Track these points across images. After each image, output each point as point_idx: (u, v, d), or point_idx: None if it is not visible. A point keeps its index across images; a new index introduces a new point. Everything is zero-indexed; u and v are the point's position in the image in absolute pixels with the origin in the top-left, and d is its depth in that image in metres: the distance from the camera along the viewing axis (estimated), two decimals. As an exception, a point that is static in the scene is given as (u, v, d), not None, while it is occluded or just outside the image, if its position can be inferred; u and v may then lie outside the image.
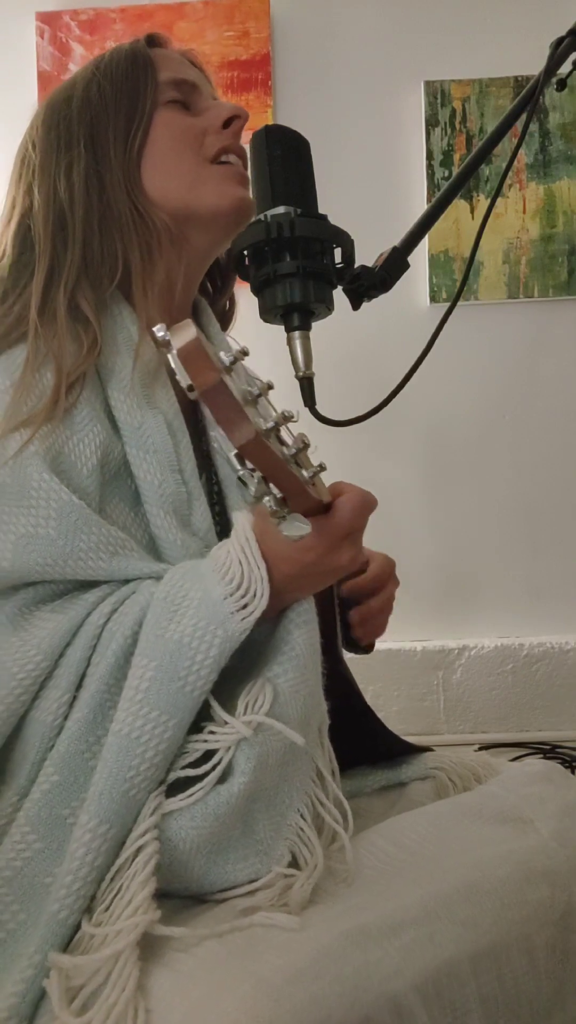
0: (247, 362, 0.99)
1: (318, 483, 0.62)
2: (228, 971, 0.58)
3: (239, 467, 0.54)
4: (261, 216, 0.74)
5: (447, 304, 0.90)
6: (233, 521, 0.72)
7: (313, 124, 1.79)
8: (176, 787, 0.66)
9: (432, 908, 0.64)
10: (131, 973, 0.58)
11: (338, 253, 0.78)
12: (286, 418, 0.55)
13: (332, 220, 0.75)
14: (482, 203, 1.96)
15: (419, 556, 1.98)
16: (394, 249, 0.85)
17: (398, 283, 0.85)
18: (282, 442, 0.55)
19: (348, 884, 0.67)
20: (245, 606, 0.66)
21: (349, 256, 0.80)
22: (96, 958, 0.59)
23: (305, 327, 0.74)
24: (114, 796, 0.63)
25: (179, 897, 0.68)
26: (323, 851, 0.68)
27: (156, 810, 0.65)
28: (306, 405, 0.74)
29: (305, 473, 0.57)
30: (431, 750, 0.93)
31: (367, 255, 0.84)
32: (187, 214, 0.86)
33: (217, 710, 0.67)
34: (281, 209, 0.74)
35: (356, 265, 0.82)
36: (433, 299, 1.95)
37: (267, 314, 0.76)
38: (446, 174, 1.95)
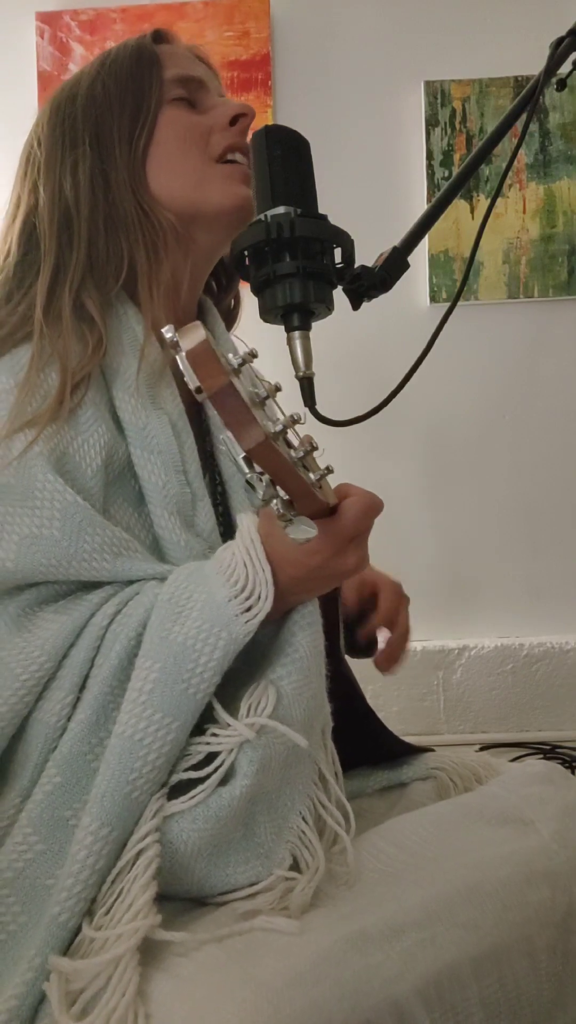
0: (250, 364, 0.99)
1: (324, 486, 0.62)
2: (228, 976, 0.57)
3: (247, 470, 0.54)
4: (261, 216, 0.74)
5: (447, 304, 0.90)
6: (238, 523, 0.72)
7: (313, 124, 1.79)
8: (178, 789, 0.66)
9: (433, 911, 0.63)
10: (131, 978, 0.58)
11: (338, 253, 0.78)
12: (294, 420, 0.55)
13: (332, 220, 0.75)
14: (482, 203, 1.95)
15: (419, 556, 1.98)
16: (394, 249, 0.85)
17: (398, 283, 0.85)
18: (289, 445, 0.55)
19: (349, 887, 0.67)
20: (249, 608, 0.65)
21: (349, 256, 0.79)
22: (96, 962, 0.59)
23: (305, 327, 0.74)
24: (116, 798, 0.63)
25: (179, 900, 0.68)
26: (324, 853, 0.68)
27: (158, 812, 0.65)
28: (306, 405, 0.74)
29: (312, 476, 0.56)
30: (432, 751, 0.93)
31: (367, 255, 0.84)
32: (192, 213, 0.86)
33: (220, 712, 0.67)
34: (281, 209, 0.73)
35: (356, 265, 0.82)
36: (433, 299, 1.95)
37: (267, 314, 0.75)
38: (446, 174, 1.95)
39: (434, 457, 2.00)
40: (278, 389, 0.56)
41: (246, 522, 0.70)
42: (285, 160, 0.76)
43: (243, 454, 0.52)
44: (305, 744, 0.66)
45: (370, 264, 0.84)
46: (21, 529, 0.72)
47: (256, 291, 0.76)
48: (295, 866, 0.68)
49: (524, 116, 0.89)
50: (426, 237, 0.90)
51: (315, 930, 0.61)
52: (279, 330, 0.76)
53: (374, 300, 0.85)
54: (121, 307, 0.84)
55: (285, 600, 0.68)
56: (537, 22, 1.87)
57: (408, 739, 0.93)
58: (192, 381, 0.48)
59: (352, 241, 0.78)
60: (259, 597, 0.65)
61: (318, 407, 0.74)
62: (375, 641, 0.97)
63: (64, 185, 0.84)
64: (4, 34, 1.99)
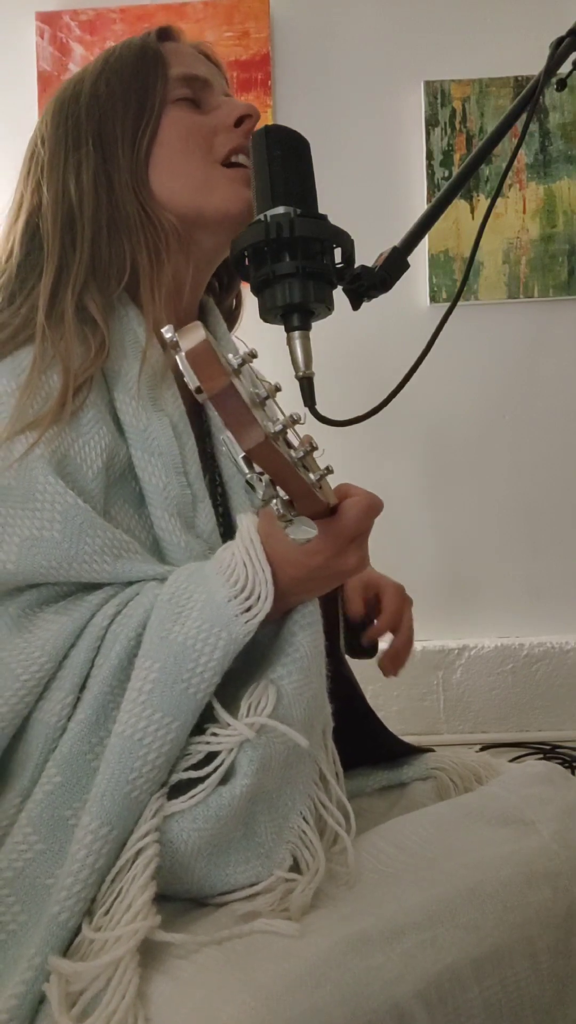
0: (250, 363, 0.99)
1: (325, 486, 0.62)
2: (228, 979, 0.57)
3: (247, 470, 0.54)
4: (261, 216, 0.74)
5: (447, 304, 0.90)
6: (237, 523, 0.72)
7: (313, 124, 1.79)
8: (178, 789, 0.66)
9: (434, 912, 0.63)
10: (131, 980, 0.58)
11: (338, 253, 0.78)
12: (294, 421, 0.55)
13: (332, 220, 0.75)
14: (482, 203, 1.95)
15: (419, 556, 1.98)
16: (394, 249, 0.85)
17: (398, 283, 0.85)
18: (289, 445, 0.55)
19: (349, 887, 0.67)
20: (249, 608, 0.65)
21: (349, 256, 0.79)
22: (96, 964, 0.59)
23: (305, 327, 0.74)
24: (116, 797, 0.63)
25: (179, 900, 0.68)
26: (324, 854, 0.68)
27: (158, 812, 0.65)
28: (306, 405, 0.74)
29: (312, 476, 0.56)
30: (432, 751, 0.93)
31: (367, 255, 0.84)
32: (195, 216, 0.85)
33: (220, 712, 0.67)
34: (281, 209, 0.73)
35: (356, 265, 0.82)
36: (433, 299, 1.95)
37: (267, 314, 0.75)
38: (446, 174, 1.95)
39: (434, 457, 2.00)
40: (278, 389, 0.56)
41: (246, 522, 0.70)
42: (285, 160, 0.76)
43: (243, 454, 0.52)
44: (306, 744, 0.66)
45: (370, 264, 0.84)
46: (22, 531, 0.72)
47: (256, 291, 0.76)
48: (295, 866, 0.68)
49: (524, 116, 0.89)
50: (426, 237, 0.90)
51: (315, 932, 0.61)
52: (278, 330, 0.76)
53: (374, 300, 0.85)
54: (123, 309, 0.83)
55: (285, 600, 0.68)
56: (537, 22, 1.87)
57: (408, 739, 0.93)
58: (192, 381, 0.48)
59: (352, 241, 0.78)
60: (259, 597, 0.65)
61: (318, 407, 0.74)
62: (376, 643, 0.97)
63: (68, 186, 0.84)
64: (4, 34, 1.98)
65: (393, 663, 0.96)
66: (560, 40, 0.92)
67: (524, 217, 1.95)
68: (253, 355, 0.52)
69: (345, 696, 0.82)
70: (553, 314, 1.98)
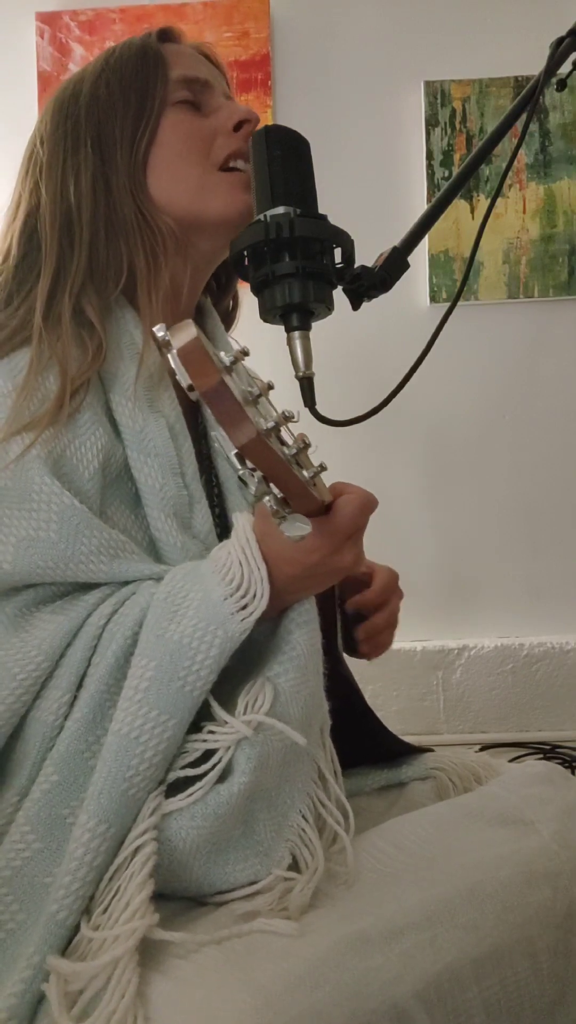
0: (248, 363, 0.99)
1: (319, 483, 0.62)
2: (227, 979, 0.57)
3: (239, 467, 0.54)
4: (260, 216, 0.74)
5: (447, 304, 0.90)
6: (233, 522, 0.72)
7: (313, 124, 1.79)
8: (176, 787, 0.66)
9: (433, 912, 0.63)
10: (130, 980, 0.58)
11: (338, 253, 0.78)
12: (286, 418, 0.55)
13: (332, 220, 0.75)
14: (482, 203, 1.95)
15: (419, 556, 1.98)
16: (394, 249, 0.85)
17: (398, 283, 0.85)
18: (283, 442, 0.55)
19: (348, 887, 0.67)
20: (245, 607, 0.66)
21: (349, 256, 0.79)
22: (95, 965, 0.59)
23: (305, 327, 0.74)
24: (113, 795, 0.63)
25: (178, 900, 0.68)
26: (324, 853, 0.68)
27: (156, 810, 0.65)
28: (306, 405, 0.74)
29: (306, 473, 0.56)
30: (431, 751, 0.93)
31: (367, 255, 0.84)
32: (192, 220, 0.85)
33: (217, 709, 0.67)
34: (281, 209, 0.73)
35: (356, 265, 0.82)
36: (433, 299, 1.95)
37: (267, 314, 0.75)
38: (446, 174, 1.95)
39: (434, 457, 2.00)
40: (271, 387, 0.56)
41: (241, 521, 0.70)
42: (285, 160, 0.76)
43: (235, 451, 0.52)
44: (303, 742, 0.66)
45: (370, 264, 0.84)
46: (18, 531, 0.72)
47: (256, 291, 0.76)
48: (294, 865, 0.68)
49: (524, 116, 0.89)
50: (426, 237, 0.90)
51: (314, 932, 0.61)
52: (278, 330, 0.76)
53: (374, 300, 0.85)
54: (120, 311, 0.83)
55: (282, 598, 0.68)
56: (537, 22, 1.87)
57: (408, 739, 0.93)
58: (184, 379, 0.48)
59: (352, 241, 0.78)
60: (255, 595, 0.66)
61: (318, 407, 0.74)
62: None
63: (67, 188, 0.84)
64: (4, 34, 1.99)
65: (368, 638, 0.91)
66: (560, 40, 0.92)
67: (524, 217, 1.96)
68: (245, 352, 0.52)
69: (343, 694, 0.82)
70: (553, 314, 1.98)
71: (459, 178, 0.88)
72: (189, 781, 0.66)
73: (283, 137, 0.78)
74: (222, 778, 0.66)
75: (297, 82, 1.98)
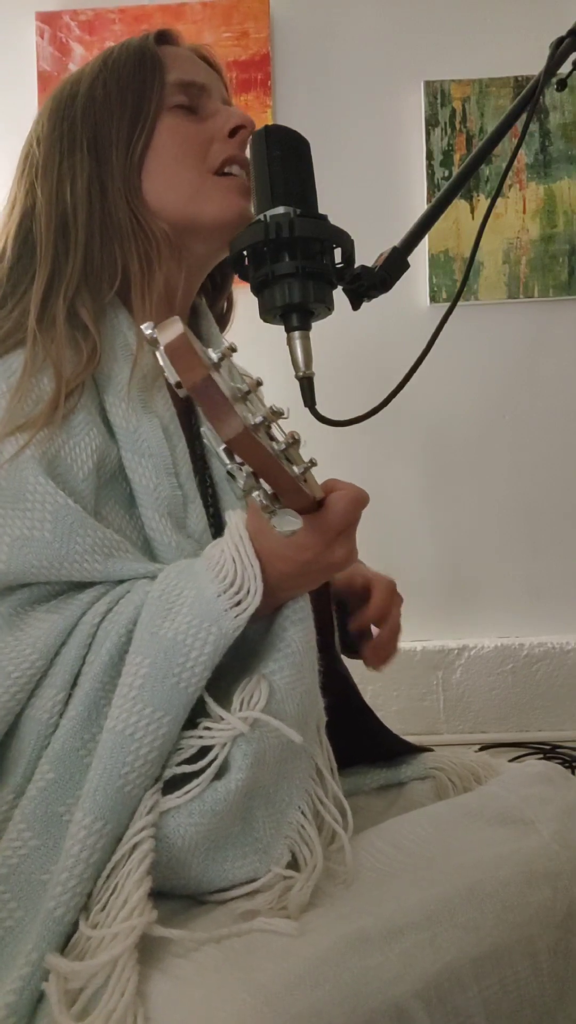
0: (243, 363, 0.99)
1: (310, 479, 0.62)
2: (227, 978, 0.57)
3: (228, 461, 0.54)
4: (260, 216, 0.74)
5: (447, 304, 0.90)
6: (226, 520, 0.72)
7: (313, 124, 1.79)
8: (173, 785, 0.66)
9: (433, 911, 0.63)
10: (130, 978, 0.58)
11: (338, 253, 0.78)
12: (275, 414, 0.55)
13: (332, 220, 0.75)
14: (482, 203, 1.95)
15: (419, 556, 1.98)
16: (394, 249, 0.85)
17: (398, 283, 0.85)
18: (272, 438, 0.55)
19: (347, 886, 0.67)
20: (239, 603, 0.66)
21: (349, 256, 0.79)
22: (94, 964, 0.59)
23: (305, 327, 0.74)
24: (108, 792, 0.63)
25: (178, 899, 0.68)
26: (323, 851, 0.68)
27: (153, 808, 0.65)
28: (306, 405, 0.74)
29: (296, 469, 0.56)
30: (430, 750, 0.93)
31: (367, 255, 0.84)
32: (187, 224, 0.86)
33: (212, 706, 0.67)
34: (280, 209, 0.73)
35: (356, 265, 0.82)
36: (433, 299, 1.95)
37: (267, 314, 0.75)
38: (446, 174, 1.95)
39: (434, 457, 2.00)
40: (259, 383, 0.56)
41: (234, 519, 0.71)
42: (285, 160, 0.76)
43: (223, 446, 0.52)
44: (299, 739, 0.66)
45: (370, 264, 0.84)
46: (13, 531, 0.72)
47: (255, 291, 0.76)
48: (293, 863, 0.68)
49: (524, 116, 0.89)
50: (426, 237, 0.90)
51: (314, 931, 0.61)
52: (278, 330, 0.76)
53: (374, 300, 0.85)
54: (114, 313, 0.84)
55: (275, 596, 0.69)
56: (537, 22, 1.87)
57: (408, 739, 0.93)
58: (172, 375, 0.48)
59: (352, 241, 0.78)
60: (248, 592, 0.66)
61: (318, 407, 0.74)
62: (369, 637, 0.97)
63: (63, 191, 0.84)
64: (4, 34, 1.99)
65: (375, 654, 0.93)
66: (560, 40, 0.92)
67: (524, 217, 1.96)
68: (233, 349, 0.53)
69: (339, 691, 0.82)
70: (553, 314, 1.98)
71: (459, 178, 0.88)
72: (186, 778, 0.66)
73: (283, 137, 0.78)
74: (219, 775, 0.66)
75: (297, 82, 1.98)
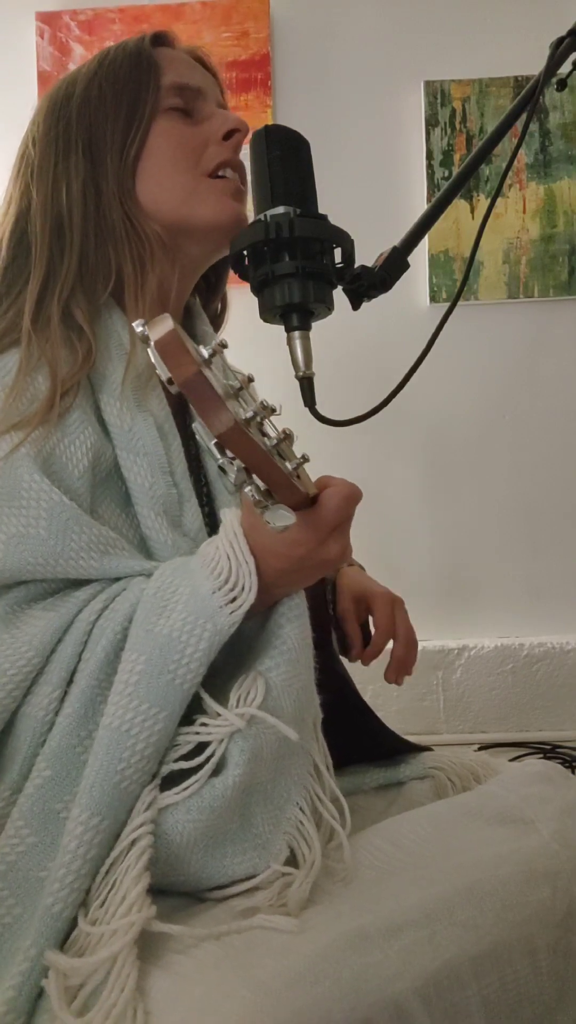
0: (242, 363, 0.99)
1: (303, 475, 0.62)
2: (227, 974, 0.58)
3: (219, 456, 0.54)
4: (261, 216, 0.74)
5: (447, 304, 0.90)
6: (221, 517, 0.72)
7: (313, 124, 1.79)
8: (172, 781, 0.67)
9: (432, 909, 0.64)
10: (129, 974, 0.58)
11: (338, 253, 0.78)
12: (268, 409, 0.55)
13: (332, 220, 0.75)
14: (482, 203, 1.95)
15: (419, 556, 1.98)
16: (394, 249, 0.85)
17: (398, 283, 0.85)
18: (264, 434, 0.55)
19: (346, 883, 0.67)
20: (234, 599, 0.66)
21: (349, 256, 0.79)
22: (93, 960, 0.59)
23: (305, 327, 0.74)
24: (105, 788, 0.63)
25: (177, 896, 0.68)
26: (321, 848, 0.68)
27: (151, 805, 0.65)
28: (306, 405, 0.74)
29: (288, 465, 0.56)
30: (430, 749, 0.93)
31: (367, 255, 0.84)
32: (180, 226, 0.86)
33: (209, 702, 0.67)
34: (280, 209, 0.74)
35: (356, 265, 0.82)
36: (433, 299, 1.95)
37: (267, 314, 0.75)
38: (446, 174, 1.95)
39: (434, 457, 2.00)
40: (251, 380, 0.56)
41: (229, 516, 0.71)
42: (285, 160, 0.76)
43: (214, 440, 0.52)
44: (295, 737, 0.67)
45: (370, 264, 0.84)
46: (8, 528, 0.73)
47: (255, 291, 0.76)
48: (292, 859, 0.68)
49: (524, 116, 0.89)
50: (426, 237, 0.90)
51: (313, 928, 0.62)
52: (278, 330, 0.76)
53: (374, 300, 0.85)
54: (108, 313, 0.84)
55: (270, 592, 0.69)
56: (537, 22, 1.87)
57: (407, 739, 0.93)
58: (163, 372, 0.49)
59: (352, 241, 0.78)
60: (243, 588, 0.66)
61: (318, 407, 0.74)
62: (368, 637, 0.97)
63: (58, 193, 0.85)
64: (4, 34, 1.99)
65: (398, 671, 0.96)
66: (560, 40, 0.92)
67: (524, 217, 1.96)
68: (223, 345, 0.53)
69: (337, 690, 0.82)
70: (553, 314, 1.98)
71: (459, 178, 0.88)
72: (184, 775, 0.66)
73: (283, 137, 0.78)
74: (216, 772, 0.66)
75: (297, 82, 1.98)
